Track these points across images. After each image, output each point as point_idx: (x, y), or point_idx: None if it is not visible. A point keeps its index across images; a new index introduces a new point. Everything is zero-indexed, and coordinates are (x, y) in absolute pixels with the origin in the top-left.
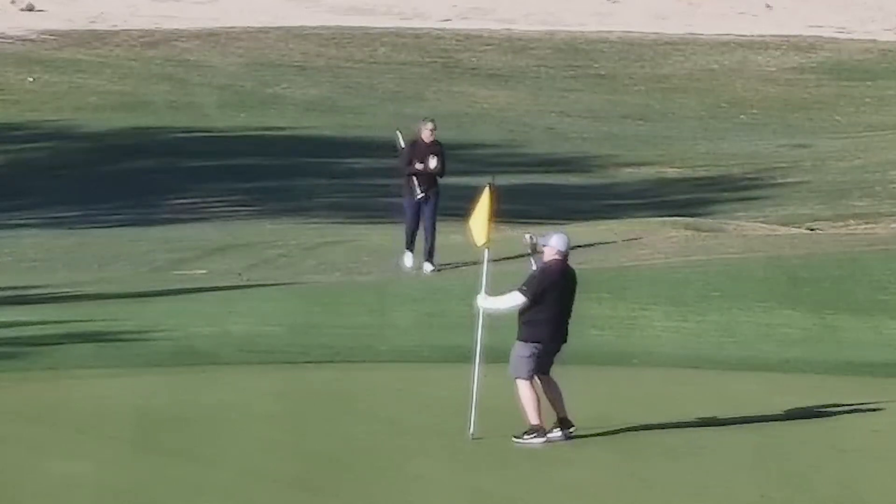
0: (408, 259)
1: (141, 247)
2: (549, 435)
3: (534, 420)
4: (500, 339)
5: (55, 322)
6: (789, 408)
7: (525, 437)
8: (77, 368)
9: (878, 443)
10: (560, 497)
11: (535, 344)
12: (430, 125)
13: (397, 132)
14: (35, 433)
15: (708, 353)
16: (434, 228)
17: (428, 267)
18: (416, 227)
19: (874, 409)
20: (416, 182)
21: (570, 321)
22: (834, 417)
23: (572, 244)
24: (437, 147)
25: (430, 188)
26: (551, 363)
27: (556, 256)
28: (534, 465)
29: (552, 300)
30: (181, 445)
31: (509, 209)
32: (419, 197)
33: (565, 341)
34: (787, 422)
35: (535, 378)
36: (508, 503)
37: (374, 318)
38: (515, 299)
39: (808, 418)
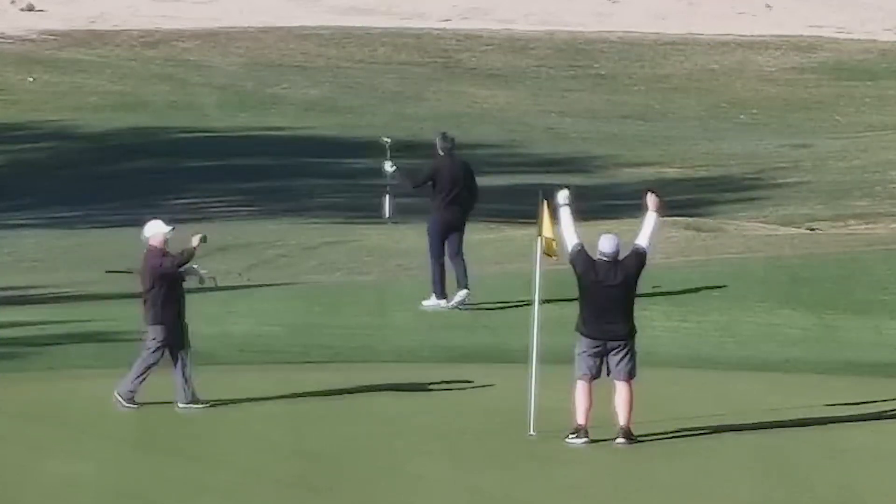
0: (442, 302)
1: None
2: (616, 441)
3: (576, 420)
4: (501, 340)
5: (55, 322)
6: (789, 408)
7: (569, 436)
8: (77, 368)
9: (878, 443)
10: (560, 497)
11: (579, 336)
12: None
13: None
14: (35, 433)
15: (708, 353)
16: (462, 260)
17: (463, 292)
18: (444, 265)
19: (874, 409)
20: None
21: (619, 318)
22: (834, 417)
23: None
24: (465, 167)
25: (459, 218)
26: (616, 364)
27: (599, 257)
28: (534, 465)
29: (583, 291)
30: (181, 445)
31: (510, 209)
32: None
33: (617, 339)
34: (787, 422)
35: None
36: (508, 503)
37: (374, 318)
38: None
39: (808, 418)
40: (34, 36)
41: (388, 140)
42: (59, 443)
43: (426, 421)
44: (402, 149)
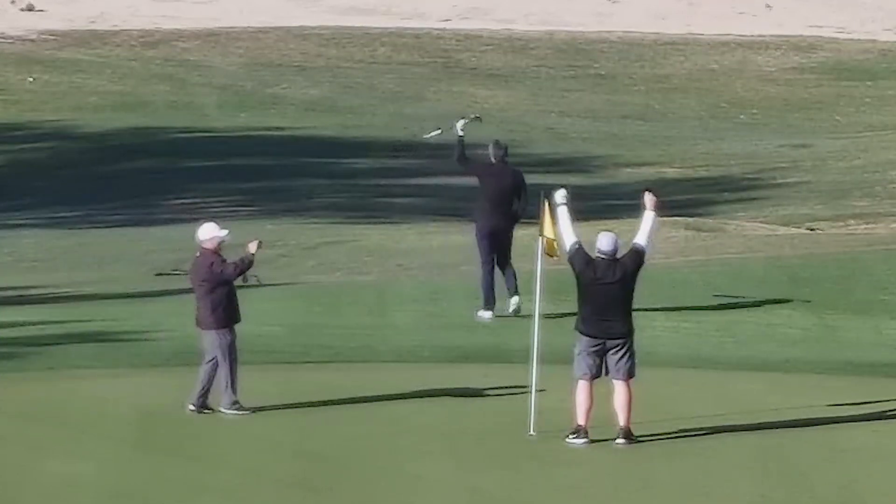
0: (487, 315)
1: (141, 247)
2: (616, 442)
3: (576, 420)
4: (501, 340)
5: (55, 322)
6: (789, 408)
7: (569, 436)
8: (77, 368)
9: (878, 443)
10: (560, 497)
11: (578, 335)
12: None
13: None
14: (35, 433)
15: (708, 353)
16: (512, 267)
17: (515, 300)
18: (494, 272)
19: (874, 409)
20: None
21: (618, 316)
22: (834, 417)
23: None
24: (515, 177)
25: (505, 226)
26: (615, 363)
27: (598, 255)
28: (534, 465)
29: (582, 290)
30: (181, 445)
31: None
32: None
33: (615, 338)
34: (787, 422)
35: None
36: (508, 503)
37: (374, 318)
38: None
39: (808, 418)
40: (34, 36)
41: (478, 118)
42: (59, 443)
43: (426, 421)
44: (401, 149)
